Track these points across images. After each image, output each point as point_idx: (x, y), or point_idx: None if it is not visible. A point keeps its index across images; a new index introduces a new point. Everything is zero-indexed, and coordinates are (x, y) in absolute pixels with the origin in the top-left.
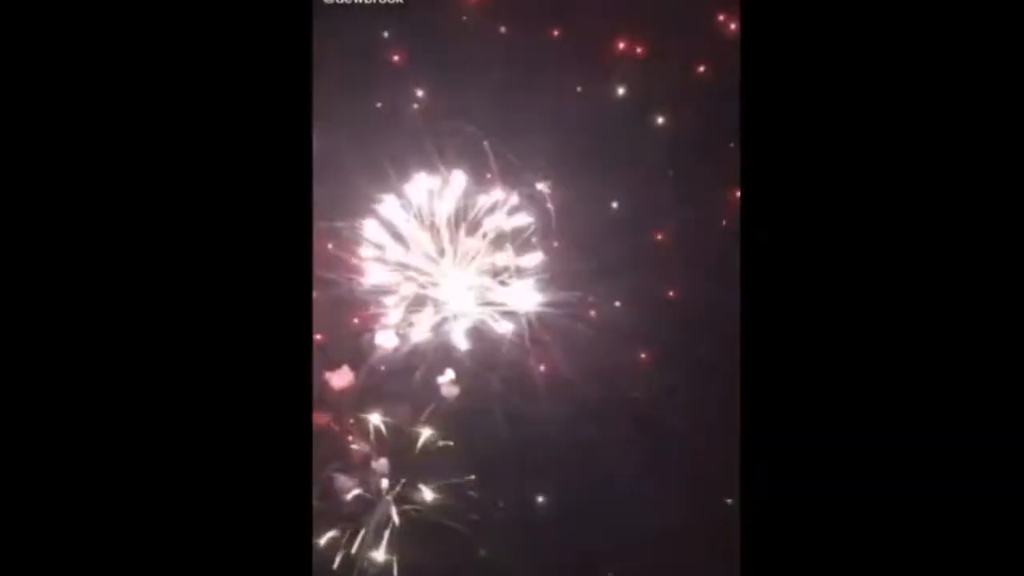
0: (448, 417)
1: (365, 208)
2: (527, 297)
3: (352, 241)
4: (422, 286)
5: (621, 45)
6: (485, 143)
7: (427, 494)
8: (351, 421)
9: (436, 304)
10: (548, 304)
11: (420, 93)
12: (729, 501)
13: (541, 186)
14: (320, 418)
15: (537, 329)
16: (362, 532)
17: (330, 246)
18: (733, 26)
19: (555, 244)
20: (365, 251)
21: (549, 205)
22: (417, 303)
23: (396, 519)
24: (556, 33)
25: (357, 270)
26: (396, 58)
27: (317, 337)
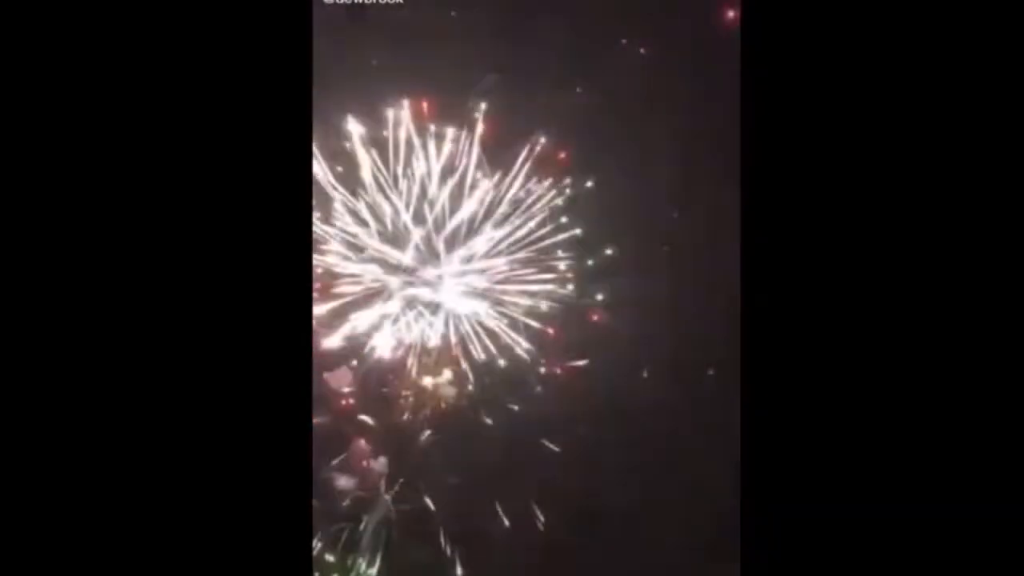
0: (446, 418)
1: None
2: (522, 298)
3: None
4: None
5: (624, 41)
6: (477, 149)
7: (425, 494)
8: (350, 421)
9: (431, 304)
10: (546, 304)
11: (413, 93)
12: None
13: (537, 188)
14: (319, 418)
15: (534, 330)
16: (361, 531)
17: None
18: (734, 19)
19: (553, 244)
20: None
21: (547, 204)
22: (412, 304)
23: (394, 518)
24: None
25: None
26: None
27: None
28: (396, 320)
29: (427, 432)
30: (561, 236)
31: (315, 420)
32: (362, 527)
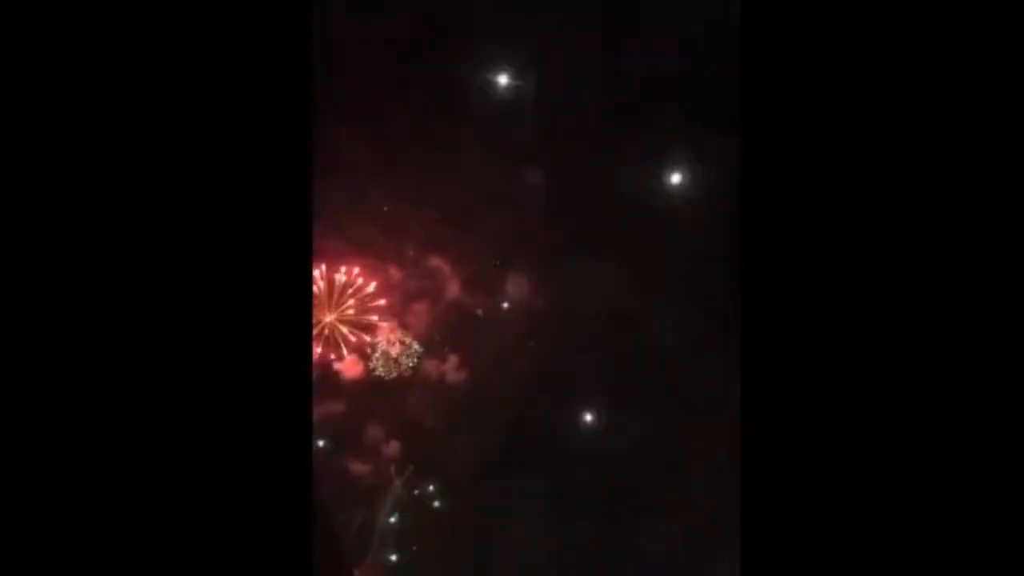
0: (454, 403)
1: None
2: (525, 287)
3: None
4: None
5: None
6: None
7: (437, 479)
8: (363, 409)
9: (432, 293)
10: (546, 294)
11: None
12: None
13: (531, 177)
14: (333, 407)
15: (538, 319)
16: (375, 514)
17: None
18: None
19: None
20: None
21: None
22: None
23: (406, 503)
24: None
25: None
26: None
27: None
28: (400, 313)
29: (435, 417)
30: (561, 228)
31: (328, 409)
32: (375, 510)
